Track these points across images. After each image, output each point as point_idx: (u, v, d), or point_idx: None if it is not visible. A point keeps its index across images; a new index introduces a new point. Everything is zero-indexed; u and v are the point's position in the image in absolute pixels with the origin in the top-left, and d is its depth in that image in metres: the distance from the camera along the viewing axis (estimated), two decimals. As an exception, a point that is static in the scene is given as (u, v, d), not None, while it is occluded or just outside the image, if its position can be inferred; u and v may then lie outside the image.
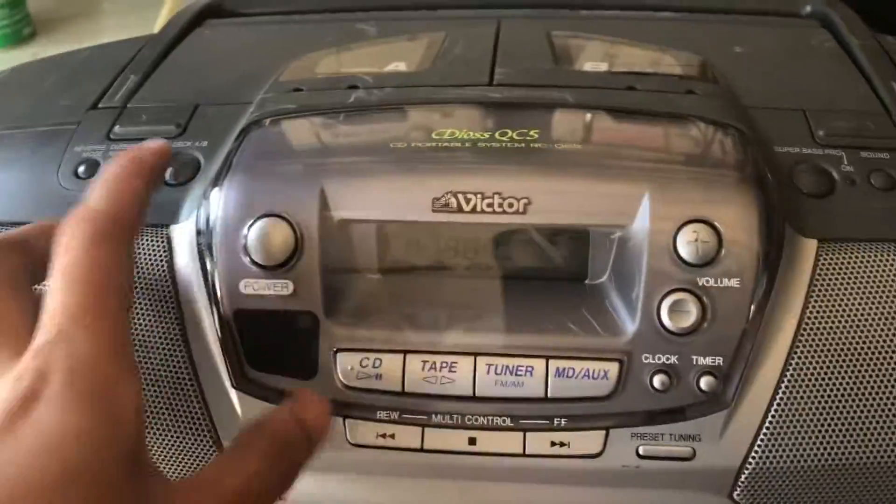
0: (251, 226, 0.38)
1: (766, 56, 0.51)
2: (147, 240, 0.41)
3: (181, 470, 0.41)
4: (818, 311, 0.38)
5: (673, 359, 0.37)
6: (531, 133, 0.40)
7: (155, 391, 0.40)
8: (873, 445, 0.37)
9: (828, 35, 0.53)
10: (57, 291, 0.30)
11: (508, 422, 0.38)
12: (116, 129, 0.45)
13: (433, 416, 0.39)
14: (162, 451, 0.41)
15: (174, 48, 0.54)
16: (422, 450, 0.39)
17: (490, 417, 0.38)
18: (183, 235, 0.41)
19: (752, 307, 0.37)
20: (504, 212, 0.38)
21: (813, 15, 0.56)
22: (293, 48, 0.52)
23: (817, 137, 0.42)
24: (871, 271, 0.38)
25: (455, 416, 0.38)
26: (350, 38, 0.53)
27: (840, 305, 0.38)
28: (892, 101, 0.45)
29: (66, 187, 0.43)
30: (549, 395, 0.38)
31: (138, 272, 0.41)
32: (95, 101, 0.48)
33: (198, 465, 0.41)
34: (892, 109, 0.44)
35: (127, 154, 0.36)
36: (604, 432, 0.38)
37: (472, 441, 0.39)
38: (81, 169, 0.44)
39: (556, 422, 0.38)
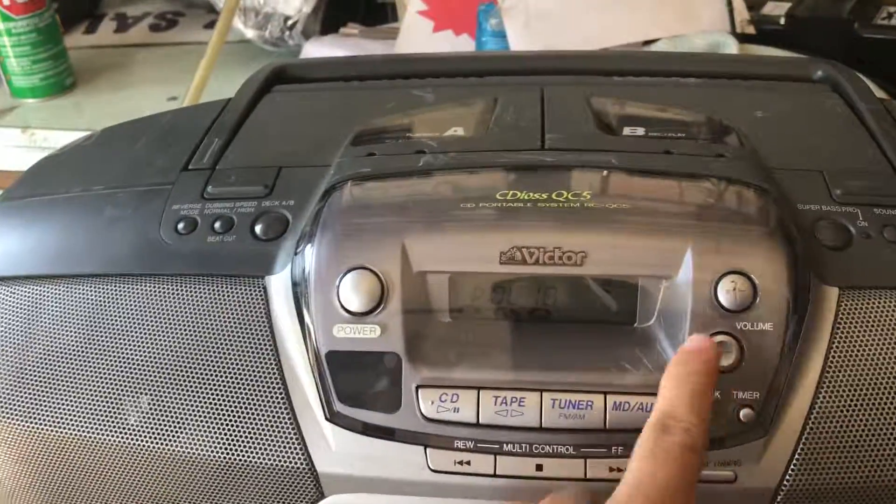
0: (343, 277, 0.44)
1: (784, 120, 0.56)
2: (246, 289, 0.46)
3: (280, 489, 0.46)
4: (841, 350, 0.43)
5: (715, 393, 0.42)
6: (584, 194, 0.46)
7: (255, 423, 0.45)
8: (891, 468, 0.42)
9: (838, 99, 0.58)
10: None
11: (571, 450, 0.43)
12: (210, 189, 0.51)
13: (504, 445, 0.44)
14: (261, 473, 0.46)
15: (250, 113, 0.60)
16: (495, 475, 0.44)
17: (555, 446, 0.43)
18: (279, 285, 0.46)
19: (784, 348, 0.42)
20: (563, 264, 0.43)
21: (824, 80, 0.61)
22: (359, 113, 0.58)
23: (835, 196, 0.47)
24: (886, 315, 0.44)
25: (524, 445, 0.43)
26: (409, 103, 0.59)
27: (860, 345, 0.43)
28: (900, 160, 0.50)
29: (167, 242, 0.48)
30: (607, 426, 0.43)
31: (239, 318, 0.46)
32: (186, 162, 0.53)
33: (293, 486, 0.46)
34: (899, 168, 0.50)
35: (707, 365, 0.39)
36: (656, 458, 0.43)
37: (539, 467, 0.44)
38: (181, 226, 0.49)
39: (613, 450, 0.43)
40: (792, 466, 0.43)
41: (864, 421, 0.42)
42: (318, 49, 1.19)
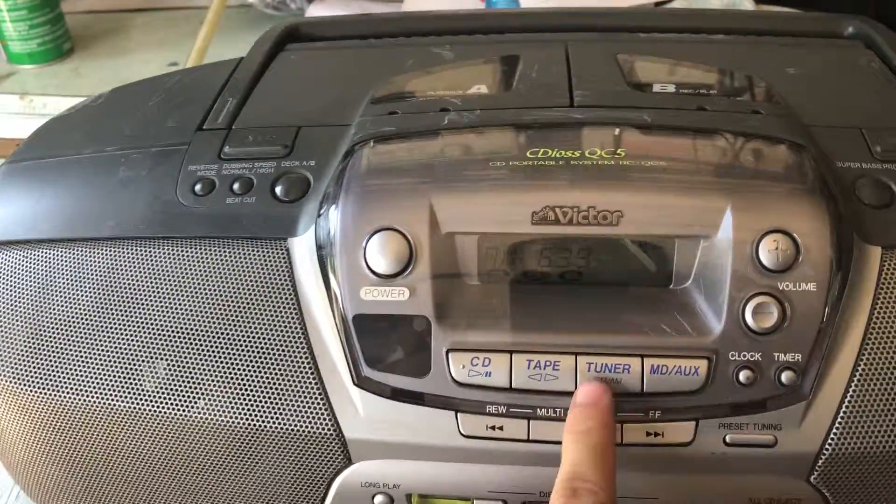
0: (370, 239, 0.42)
1: (817, 76, 0.55)
2: (269, 252, 0.45)
3: (307, 456, 0.45)
4: (885, 311, 0.42)
5: (756, 356, 0.41)
6: (619, 151, 0.44)
7: (280, 388, 0.44)
8: (936, 431, 0.41)
9: (873, 55, 0.57)
10: None
11: (608, 414, 0.42)
12: (227, 149, 0.49)
13: (538, 409, 0.42)
14: (288, 439, 0.44)
15: (264, 72, 0.58)
16: (528, 440, 0.43)
17: (590, 410, 0.42)
18: (302, 247, 0.45)
19: (827, 308, 0.41)
20: (598, 224, 0.42)
21: (856, 36, 0.60)
22: (377, 71, 0.56)
23: (875, 153, 0.46)
24: (929, 275, 0.42)
25: (558, 409, 0.42)
26: (428, 61, 0.57)
27: (904, 306, 0.42)
28: (939, 117, 0.49)
29: (185, 203, 0.47)
30: (644, 390, 0.42)
31: (261, 281, 0.45)
32: (200, 122, 0.52)
33: (320, 452, 0.45)
34: (938, 125, 0.48)
35: (603, 417, 0.40)
36: (694, 423, 0.42)
37: (574, 432, 0.42)
38: (198, 187, 0.47)
39: (650, 414, 0.42)
40: (834, 431, 0.42)
41: (908, 383, 0.41)
42: (323, 11, 1.17)
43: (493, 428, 0.43)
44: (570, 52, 0.56)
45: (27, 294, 0.47)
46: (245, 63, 0.58)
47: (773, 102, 0.49)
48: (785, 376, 0.41)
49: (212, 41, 1.11)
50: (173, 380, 0.46)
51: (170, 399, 0.46)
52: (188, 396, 0.46)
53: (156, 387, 0.46)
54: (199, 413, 0.46)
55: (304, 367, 0.44)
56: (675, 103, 0.49)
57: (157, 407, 0.46)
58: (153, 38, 1.32)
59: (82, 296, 0.47)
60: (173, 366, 0.46)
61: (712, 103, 0.49)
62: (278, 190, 0.46)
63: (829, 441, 0.42)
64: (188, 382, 0.46)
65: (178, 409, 0.46)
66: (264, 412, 0.45)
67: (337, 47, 0.62)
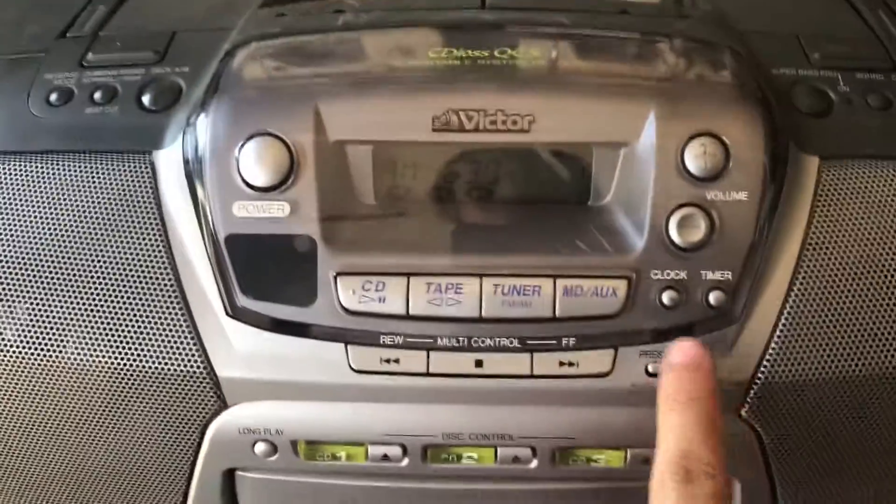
0: (243, 145, 0.37)
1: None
2: (129, 165, 0.40)
3: (175, 399, 0.40)
4: (822, 226, 0.38)
5: (682, 274, 0.37)
6: (531, 52, 0.39)
7: (144, 322, 0.38)
8: (877, 354, 0.38)
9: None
10: None
11: (516, 343, 0.38)
12: (90, 56, 0.44)
13: (438, 339, 0.38)
14: (154, 380, 0.39)
15: (144, -21, 0.52)
16: (427, 374, 0.38)
17: (497, 339, 0.38)
18: (168, 161, 0.39)
19: (760, 220, 0.37)
20: (508, 130, 0.37)
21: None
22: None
23: (812, 60, 0.42)
24: (870, 186, 0.39)
25: (461, 338, 0.38)
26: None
27: (842, 219, 0.38)
28: (881, 28, 0.45)
29: (37, 115, 0.42)
30: (557, 314, 0.37)
31: (122, 200, 0.39)
32: (64, 29, 0.46)
33: (190, 393, 0.39)
34: (881, 35, 0.45)
35: (708, 382, 0.35)
36: (612, 351, 0.38)
37: (479, 364, 0.38)
38: (53, 97, 0.42)
39: (564, 342, 0.38)
40: (767, 357, 0.38)
41: (846, 303, 0.38)
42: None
43: (387, 361, 0.38)
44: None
45: None
46: (122, -30, 0.52)
47: (704, 8, 0.45)
48: (713, 297, 0.37)
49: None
50: (36, 323, 0.40)
51: (33, 344, 0.40)
52: (54, 339, 0.40)
53: (18, 334, 0.40)
54: (66, 357, 0.40)
55: (170, 297, 0.38)
56: (595, 6, 0.44)
57: (20, 353, 0.40)
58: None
59: (-83, 221, 0.40)
60: (34, 306, 0.40)
61: (636, 7, 0.44)
62: (145, 98, 0.41)
63: (763, 368, 0.38)
64: (52, 324, 0.40)
65: (44, 354, 0.40)
66: (130, 350, 0.39)
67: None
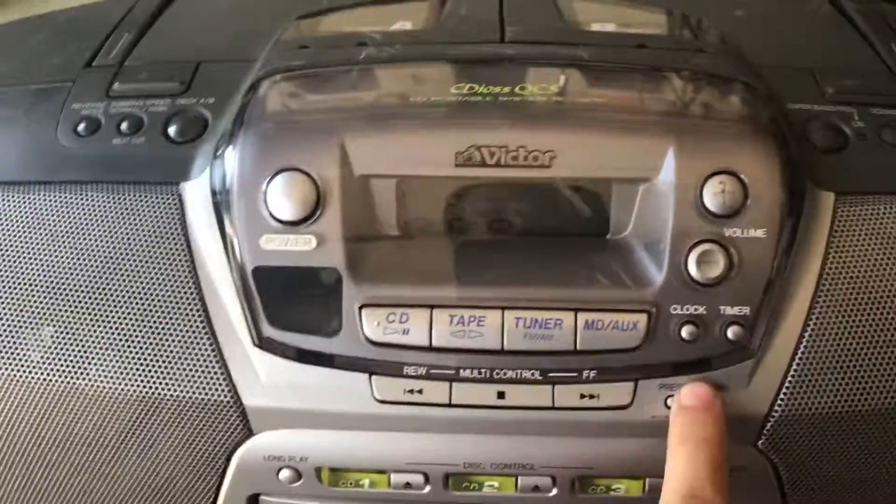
0: (271, 180, 0.38)
1: (766, 19, 0.52)
2: (157, 197, 0.40)
3: (202, 426, 0.40)
4: (838, 261, 0.39)
5: (701, 309, 0.38)
6: (552, 87, 0.40)
7: (171, 350, 0.39)
8: (893, 388, 0.38)
9: (823, 0, 0.54)
10: None
11: (537, 375, 0.38)
12: (116, 86, 0.44)
13: (461, 370, 0.38)
14: (181, 407, 0.40)
15: (166, 8, 0.52)
16: (450, 405, 0.38)
17: (519, 371, 0.38)
18: (195, 193, 0.40)
19: (777, 257, 0.38)
20: (529, 165, 0.38)
21: (805, -18, 0.57)
22: (291, 8, 0.51)
23: (827, 95, 0.43)
24: (886, 222, 0.39)
25: (483, 370, 0.38)
26: (348, -2, 0.52)
27: (859, 255, 0.39)
28: (894, 61, 0.46)
29: (65, 145, 0.42)
30: (578, 347, 0.38)
31: (150, 231, 0.40)
32: (89, 59, 0.47)
33: (217, 421, 0.40)
34: (894, 69, 0.45)
35: (719, 427, 0.36)
36: (633, 384, 0.38)
37: (501, 395, 0.38)
38: (81, 127, 0.43)
39: (585, 374, 0.38)
40: (784, 390, 0.38)
41: (862, 339, 0.38)
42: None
43: (411, 392, 0.39)
44: (503, -12, 0.51)
45: None
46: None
47: (720, 42, 0.46)
48: (731, 332, 0.38)
49: None
50: (61, 346, 0.41)
51: (58, 367, 0.41)
52: (77, 363, 0.41)
53: (43, 356, 0.41)
54: (90, 381, 0.40)
55: (197, 327, 0.39)
56: (614, 41, 0.45)
57: (45, 376, 0.41)
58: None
59: (-53, 249, 0.41)
60: (60, 331, 0.41)
61: (654, 41, 0.45)
62: (171, 130, 0.42)
63: (779, 401, 0.38)
64: (76, 348, 0.41)
65: (68, 378, 0.41)
66: (156, 379, 0.40)
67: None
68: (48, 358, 0.41)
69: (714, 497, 0.34)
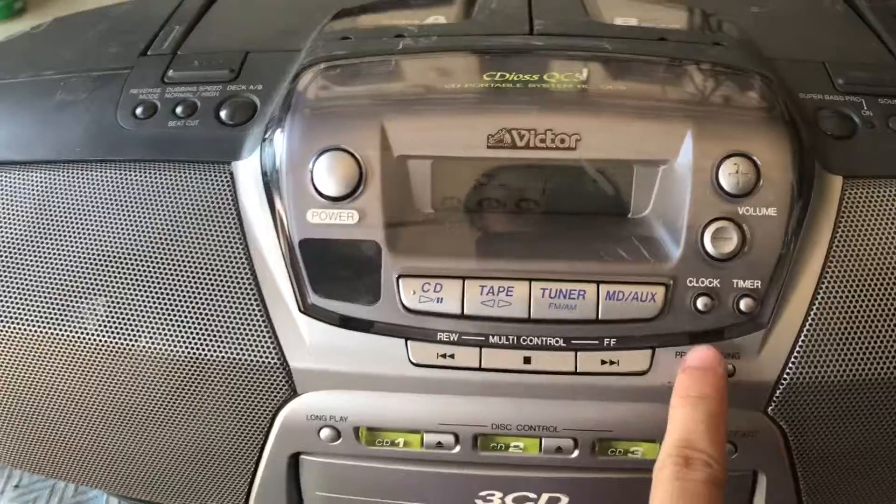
0: (317, 159, 0.41)
1: (781, 15, 0.54)
2: (211, 174, 0.43)
3: (250, 386, 0.43)
4: (844, 239, 0.41)
5: (715, 282, 0.40)
6: (577, 76, 0.43)
7: (223, 316, 0.42)
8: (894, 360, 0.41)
9: (837, -4, 0.56)
10: None
11: (561, 342, 0.41)
12: (170, 73, 0.47)
13: (490, 337, 0.41)
14: (231, 369, 0.43)
15: (213, 3, 0.56)
16: (480, 369, 0.41)
17: (544, 338, 0.41)
18: (246, 171, 0.43)
19: (787, 234, 0.40)
20: (556, 147, 0.41)
21: (820, -21, 0.59)
22: (331, 3, 0.54)
23: (837, 86, 0.45)
24: (890, 203, 0.42)
25: (511, 337, 0.41)
26: (385, -7, 0.55)
27: (864, 233, 0.41)
28: (903, 54, 0.48)
29: (125, 127, 0.45)
30: (599, 317, 0.40)
31: (204, 206, 0.43)
32: (144, 48, 0.50)
33: (264, 382, 0.43)
34: (903, 62, 0.48)
35: (719, 387, 0.38)
36: (650, 351, 0.41)
37: (527, 360, 0.41)
38: (139, 110, 0.45)
39: (605, 342, 0.41)
40: (792, 359, 0.41)
41: (867, 311, 0.41)
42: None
43: (443, 356, 0.41)
44: (531, -16, 0.54)
45: (-42, 219, 0.45)
46: (194, -7, 0.56)
47: (736, 36, 0.48)
48: (744, 304, 0.40)
49: None
50: (115, 315, 0.44)
51: (114, 331, 0.44)
52: (133, 328, 0.43)
53: (97, 325, 0.44)
54: (145, 343, 0.43)
55: (248, 295, 0.42)
56: (636, 34, 0.48)
57: (102, 337, 0.44)
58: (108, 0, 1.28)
59: (17, 220, 0.45)
60: (115, 298, 0.43)
61: (673, 35, 0.47)
62: (223, 113, 0.45)
63: (788, 370, 0.41)
64: (130, 316, 0.43)
65: (124, 340, 0.44)
66: (208, 342, 0.43)
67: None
68: (103, 325, 0.44)
69: (707, 448, 0.36)
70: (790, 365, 0.41)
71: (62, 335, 0.44)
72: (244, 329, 0.42)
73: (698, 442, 0.36)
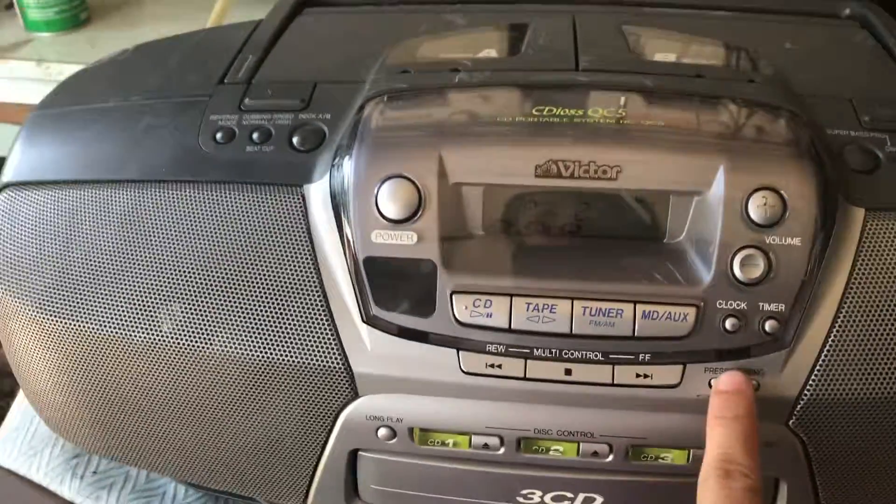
0: (381, 185, 0.45)
1: (813, 52, 0.57)
2: (285, 197, 0.47)
3: (317, 389, 0.47)
4: (865, 268, 0.44)
5: (742, 305, 0.44)
6: (620, 111, 0.47)
7: (294, 324, 0.46)
8: (910, 382, 0.44)
9: (867, 34, 0.59)
10: None
11: (600, 356, 0.45)
12: (247, 101, 0.51)
13: (535, 350, 0.45)
14: (300, 372, 0.47)
15: (282, 33, 0.60)
16: (524, 378, 0.45)
17: (584, 352, 0.45)
18: (317, 193, 0.47)
19: (811, 262, 0.43)
20: (598, 178, 0.44)
21: (852, 16, 0.62)
22: (391, 36, 0.58)
23: (863, 122, 0.48)
24: (910, 236, 0.45)
25: (554, 350, 0.45)
26: (441, 27, 0.60)
27: (884, 263, 0.44)
28: (928, 93, 0.51)
29: (206, 150, 0.49)
30: (635, 334, 0.44)
31: (278, 224, 0.47)
32: (222, 76, 0.54)
33: (329, 385, 0.47)
34: (927, 100, 0.51)
35: (749, 406, 0.42)
36: (681, 366, 0.44)
37: (568, 372, 0.45)
38: (219, 135, 0.50)
39: (640, 357, 0.44)
40: (812, 377, 0.44)
41: (883, 335, 0.44)
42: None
43: (492, 366, 0.45)
44: (577, 21, 0.58)
45: (55, 231, 0.50)
46: (264, 24, 0.61)
47: (769, 73, 0.52)
48: (768, 325, 0.44)
49: (227, 15, 1.13)
50: (190, 320, 0.48)
51: (188, 335, 0.48)
52: (205, 334, 0.48)
53: (173, 328, 0.49)
54: (216, 348, 0.48)
55: (317, 305, 0.46)
56: (674, 70, 0.51)
57: (177, 341, 0.48)
58: (168, 10, 1.34)
59: (106, 234, 0.49)
60: (190, 307, 0.48)
61: (710, 72, 0.51)
62: (295, 140, 0.49)
63: (808, 387, 0.44)
64: (205, 322, 0.48)
65: (197, 343, 0.48)
66: (279, 347, 0.47)
67: (352, 12, 0.64)
68: (178, 329, 0.48)
69: (745, 460, 0.40)
70: (810, 382, 0.44)
71: (140, 337, 0.49)
72: (312, 336, 0.46)
73: (736, 456, 0.40)
